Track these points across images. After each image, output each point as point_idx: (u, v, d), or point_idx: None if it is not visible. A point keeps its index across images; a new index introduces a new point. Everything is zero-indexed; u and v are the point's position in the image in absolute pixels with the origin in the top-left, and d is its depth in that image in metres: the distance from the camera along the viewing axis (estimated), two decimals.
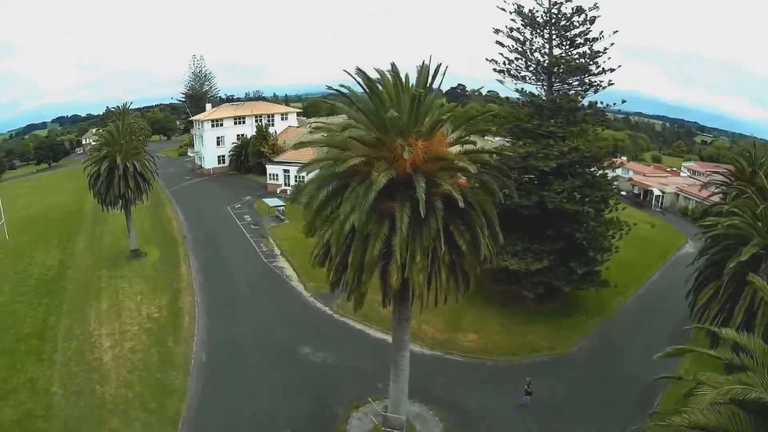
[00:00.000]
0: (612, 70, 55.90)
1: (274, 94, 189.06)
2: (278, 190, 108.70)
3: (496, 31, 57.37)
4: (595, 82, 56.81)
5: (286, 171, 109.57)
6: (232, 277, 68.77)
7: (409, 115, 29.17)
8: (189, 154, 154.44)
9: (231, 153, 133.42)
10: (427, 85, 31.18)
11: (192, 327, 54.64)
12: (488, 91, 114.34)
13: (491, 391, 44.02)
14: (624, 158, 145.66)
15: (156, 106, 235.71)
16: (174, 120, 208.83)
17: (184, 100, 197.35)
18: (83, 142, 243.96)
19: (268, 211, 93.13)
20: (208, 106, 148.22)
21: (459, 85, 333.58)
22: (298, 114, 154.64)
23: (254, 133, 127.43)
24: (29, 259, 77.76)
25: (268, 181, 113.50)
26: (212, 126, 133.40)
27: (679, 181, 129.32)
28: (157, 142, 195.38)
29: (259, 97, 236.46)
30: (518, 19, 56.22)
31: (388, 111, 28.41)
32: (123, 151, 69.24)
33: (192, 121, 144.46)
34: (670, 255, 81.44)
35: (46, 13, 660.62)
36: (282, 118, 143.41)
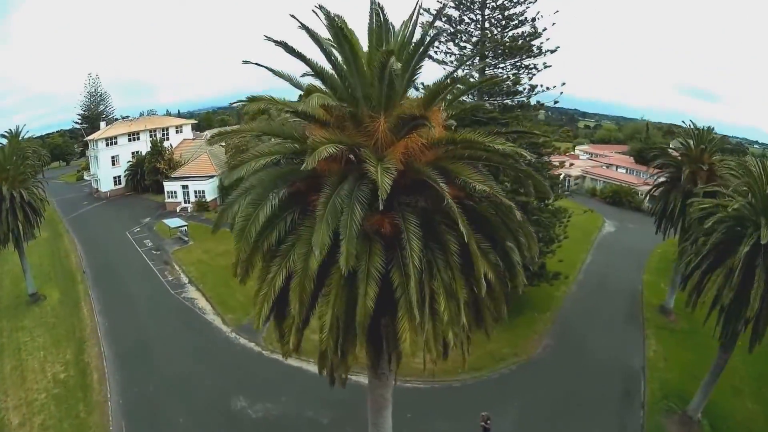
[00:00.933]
0: (552, 51, 49.44)
1: (168, 111, 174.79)
2: (178, 209, 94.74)
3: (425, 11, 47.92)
4: (531, 65, 50.07)
5: (185, 187, 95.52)
6: (139, 316, 55.87)
7: (394, 81, 17.21)
8: (86, 177, 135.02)
9: (127, 172, 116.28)
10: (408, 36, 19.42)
11: (103, 387, 43.06)
12: None
13: (472, 419, 35.21)
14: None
15: (57, 131, 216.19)
16: (72, 144, 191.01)
17: (79, 121, 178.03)
18: None
19: (170, 233, 79.79)
20: (102, 124, 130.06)
21: None
22: (192, 128, 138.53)
23: (149, 149, 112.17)
24: None
25: (167, 200, 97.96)
26: (107, 145, 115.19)
27: (580, 163, 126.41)
28: (57, 168, 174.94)
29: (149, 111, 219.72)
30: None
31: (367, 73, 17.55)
32: (9, 179, 55.88)
33: (87, 142, 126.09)
34: (593, 237, 77.72)
35: None
36: (177, 131, 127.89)
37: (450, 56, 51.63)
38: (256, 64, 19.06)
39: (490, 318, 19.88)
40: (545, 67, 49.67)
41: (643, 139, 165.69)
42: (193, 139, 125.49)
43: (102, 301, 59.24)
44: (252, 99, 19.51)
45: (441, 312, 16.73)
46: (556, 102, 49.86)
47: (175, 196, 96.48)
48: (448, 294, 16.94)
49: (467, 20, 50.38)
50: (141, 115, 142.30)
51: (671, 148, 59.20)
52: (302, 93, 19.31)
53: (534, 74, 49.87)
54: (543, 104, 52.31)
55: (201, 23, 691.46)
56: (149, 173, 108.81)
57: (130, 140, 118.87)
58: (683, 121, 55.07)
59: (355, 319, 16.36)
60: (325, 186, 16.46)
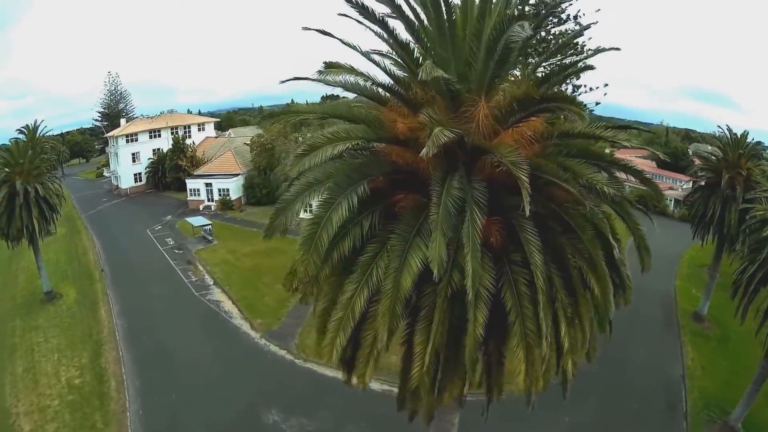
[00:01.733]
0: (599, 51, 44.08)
1: (189, 110, 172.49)
2: (201, 207, 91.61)
3: None
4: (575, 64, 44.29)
5: (208, 185, 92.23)
6: (160, 319, 52.43)
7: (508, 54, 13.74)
8: (105, 174, 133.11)
9: (148, 170, 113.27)
10: None
11: (121, 395, 39.83)
12: None
13: None
14: None
15: (76, 129, 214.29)
16: (92, 142, 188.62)
17: (99, 119, 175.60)
18: None
19: (193, 232, 76.42)
20: (123, 121, 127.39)
21: None
22: (215, 126, 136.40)
23: (171, 147, 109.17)
24: None
25: (189, 198, 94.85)
26: (127, 142, 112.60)
27: None
28: (77, 165, 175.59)
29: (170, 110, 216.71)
30: None
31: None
32: (24, 173, 53.19)
33: (107, 139, 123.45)
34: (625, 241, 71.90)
35: None
36: (199, 129, 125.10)
37: None
38: (320, 31, 15.64)
39: (593, 339, 16.67)
40: (585, 68, 46.48)
41: (663, 144, 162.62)
42: (216, 137, 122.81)
43: (121, 302, 56.18)
44: (330, 66, 15.64)
45: (561, 339, 13.57)
46: (597, 103, 47.57)
47: (198, 194, 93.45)
48: (568, 317, 13.72)
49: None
50: (161, 113, 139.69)
51: (708, 153, 55.60)
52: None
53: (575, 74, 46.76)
54: (586, 106, 48.91)
55: (219, 24, 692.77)
56: (170, 170, 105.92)
57: (151, 137, 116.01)
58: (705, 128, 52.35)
59: (455, 349, 13.12)
60: (433, 184, 12.96)
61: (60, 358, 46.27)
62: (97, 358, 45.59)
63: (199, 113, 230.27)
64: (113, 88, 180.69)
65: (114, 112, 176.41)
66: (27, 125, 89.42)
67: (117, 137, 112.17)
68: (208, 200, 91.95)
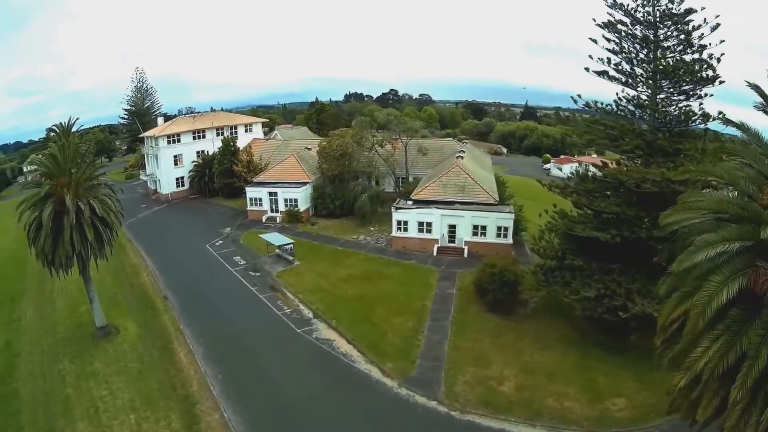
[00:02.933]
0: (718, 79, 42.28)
1: (212, 108, 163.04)
2: (264, 218, 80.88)
3: (604, 25, 45.31)
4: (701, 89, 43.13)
5: (273, 194, 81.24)
6: (264, 364, 42.45)
7: None
8: (142, 177, 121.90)
9: (191, 173, 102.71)
10: None
11: None
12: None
13: None
14: None
15: (95, 127, 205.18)
16: (113, 140, 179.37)
17: (127, 117, 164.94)
18: (24, 169, 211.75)
19: (267, 250, 65.74)
20: (160, 120, 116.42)
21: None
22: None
23: (219, 149, 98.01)
24: None
25: (250, 207, 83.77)
26: (168, 143, 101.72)
27: None
28: (100, 165, 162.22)
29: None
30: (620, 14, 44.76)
31: None
32: (73, 185, 43.00)
33: (142, 138, 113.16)
34: None
35: None
36: (246, 130, 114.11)
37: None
38: None
39: None
40: (705, 96, 42.95)
41: None
42: (267, 139, 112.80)
43: (204, 342, 45.89)
44: None
45: None
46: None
47: (260, 204, 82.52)
48: None
49: (639, 35, 44.34)
50: (180, 112, 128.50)
51: None
52: None
53: (702, 101, 42.94)
54: (717, 133, 42.31)
55: (237, 21, 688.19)
56: (220, 175, 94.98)
57: (194, 138, 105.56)
58: None
59: None
60: None
61: (139, 422, 36.03)
62: (194, 424, 35.52)
63: (222, 110, 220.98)
64: (140, 85, 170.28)
65: (141, 109, 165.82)
66: (61, 123, 78.86)
67: (157, 138, 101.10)
68: (272, 211, 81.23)
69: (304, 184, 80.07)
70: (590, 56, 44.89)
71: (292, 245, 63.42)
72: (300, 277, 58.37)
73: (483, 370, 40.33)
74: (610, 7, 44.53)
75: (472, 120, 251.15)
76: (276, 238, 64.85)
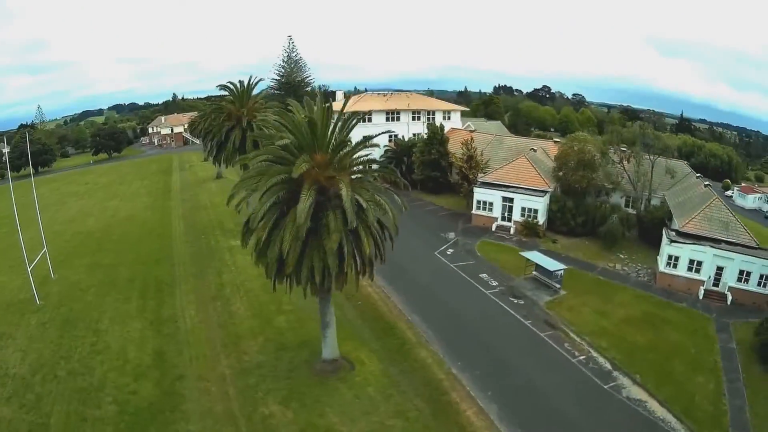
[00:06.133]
0: None
1: (366, 88, 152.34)
2: (494, 226, 70.96)
3: None
4: None
5: (507, 200, 70.49)
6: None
7: None
8: None
9: (383, 160, 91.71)
10: None
11: None
12: None
13: None
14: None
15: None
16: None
17: (276, 88, 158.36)
18: (150, 131, 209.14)
19: (524, 270, 56.23)
20: (339, 94, 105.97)
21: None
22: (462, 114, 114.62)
23: (418, 135, 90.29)
24: (92, 345, 44.05)
25: (475, 211, 73.67)
26: (360, 121, 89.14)
27: None
28: None
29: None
30: None
31: None
32: (335, 168, 34.06)
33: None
34: None
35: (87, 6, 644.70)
36: (444, 118, 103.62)
37: None
38: None
39: None
40: None
41: None
42: (472, 130, 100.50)
43: (493, 397, 36.41)
44: None
45: None
46: None
47: (489, 209, 72.29)
48: None
49: None
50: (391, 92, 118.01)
51: None
52: None
53: None
54: None
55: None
56: (422, 166, 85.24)
57: (387, 119, 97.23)
58: None
59: None
60: None
61: None
62: None
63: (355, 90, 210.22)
64: (291, 54, 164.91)
65: (294, 81, 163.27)
66: (240, 81, 72.47)
67: (345, 114, 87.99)
68: (504, 219, 71.22)
69: (544, 192, 69.66)
70: None
71: (562, 272, 53.46)
72: (575, 312, 49.05)
73: None
74: None
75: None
76: (542, 260, 55.05)
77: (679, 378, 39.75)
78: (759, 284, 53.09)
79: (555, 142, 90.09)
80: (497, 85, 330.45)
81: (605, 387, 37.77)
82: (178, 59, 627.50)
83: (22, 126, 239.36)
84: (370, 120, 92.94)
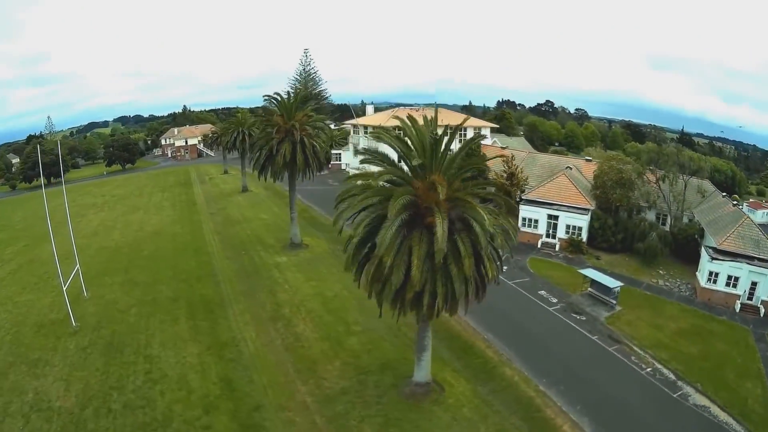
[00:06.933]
0: None
1: (372, 101, 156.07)
2: (539, 243, 72.91)
3: None
4: None
5: (553, 217, 72.65)
6: None
7: None
8: (346, 168, 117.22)
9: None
10: None
11: None
12: None
13: None
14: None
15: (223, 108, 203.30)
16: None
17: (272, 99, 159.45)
18: (163, 142, 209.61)
19: (582, 287, 58.64)
20: (369, 108, 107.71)
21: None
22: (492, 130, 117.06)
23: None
24: (147, 373, 41.79)
25: (521, 228, 74.61)
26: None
27: None
28: None
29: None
30: None
31: None
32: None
33: (346, 127, 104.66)
34: None
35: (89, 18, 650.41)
36: (475, 133, 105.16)
37: None
38: None
39: None
40: None
41: None
42: (503, 147, 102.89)
43: (584, 411, 37.79)
44: None
45: None
46: None
47: (535, 226, 74.41)
48: None
49: None
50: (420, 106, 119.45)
51: None
52: None
53: None
54: None
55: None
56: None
57: None
58: None
59: None
60: None
61: None
62: None
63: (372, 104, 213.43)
64: (307, 68, 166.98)
65: (310, 95, 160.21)
66: (279, 93, 70.16)
67: (385, 128, 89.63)
68: (548, 236, 73.31)
69: (587, 210, 71.94)
70: None
71: (619, 288, 55.95)
72: (633, 327, 51.49)
73: None
74: None
75: (635, 143, 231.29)
76: (599, 277, 57.89)
77: (732, 385, 42.81)
78: None
79: (587, 160, 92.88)
80: (500, 100, 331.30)
81: (674, 396, 40.29)
82: (179, 71, 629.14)
83: (31, 137, 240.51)
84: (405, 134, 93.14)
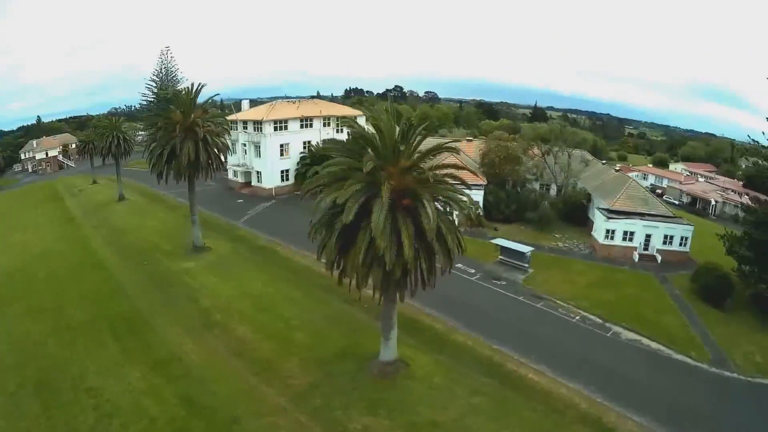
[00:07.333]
0: None
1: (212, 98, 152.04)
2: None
3: None
4: None
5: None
6: (631, 378, 41.24)
7: None
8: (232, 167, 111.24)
9: (298, 166, 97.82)
10: None
11: None
12: None
13: None
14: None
15: (106, 113, 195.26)
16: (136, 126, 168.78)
17: (152, 101, 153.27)
18: (22, 156, 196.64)
19: (493, 255, 64.54)
20: (245, 103, 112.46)
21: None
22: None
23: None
24: (96, 409, 36.04)
25: None
26: (275, 129, 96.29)
27: (702, 186, 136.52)
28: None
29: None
30: None
31: None
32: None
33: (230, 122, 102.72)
34: None
35: None
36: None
37: None
38: None
39: None
40: None
41: (730, 160, 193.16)
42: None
43: (555, 363, 42.15)
44: None
45: None
46: None
47: None
48: None
49: None
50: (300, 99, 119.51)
51: None
52: None
53: None
54: None
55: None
56: None
57: (302, 126, 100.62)
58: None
59: None
60: None
61: None
62: None
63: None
64: (168, 66, 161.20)
65: (170, 93, 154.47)
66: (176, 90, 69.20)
67: (262, 122, 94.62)
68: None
69: (481, 186, 76.86)
70: None
71: (530, 252, 62.67)
72: (549, 284, 57.99)
73: (750, 346, 47.58)
74: None
75: (489, 121, 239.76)
76: (512, 244, 63.87)
77: (652, 319, 51.16)
78: (681, 245, 67.64)
79: (468, 140, 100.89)
80: (348, 88, 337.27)
81: (608, 335, 47.98)
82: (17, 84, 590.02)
83: None
84: (286, 128, 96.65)
